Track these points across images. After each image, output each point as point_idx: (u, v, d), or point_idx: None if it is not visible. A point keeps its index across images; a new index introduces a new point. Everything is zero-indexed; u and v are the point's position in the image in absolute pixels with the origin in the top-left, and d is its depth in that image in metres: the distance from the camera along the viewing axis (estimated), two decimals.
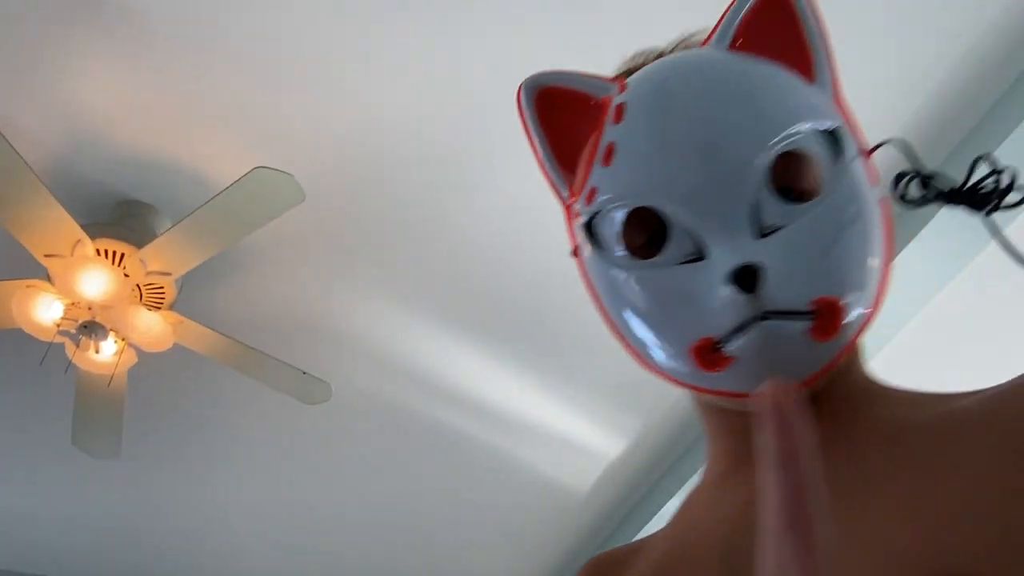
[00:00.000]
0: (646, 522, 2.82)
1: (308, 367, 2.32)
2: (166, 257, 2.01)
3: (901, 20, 1.78)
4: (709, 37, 0.60)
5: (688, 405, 2.67)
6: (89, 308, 2.05)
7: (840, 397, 0.56)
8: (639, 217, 0.55)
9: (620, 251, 0.57)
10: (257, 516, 3.29)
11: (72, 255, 1.99)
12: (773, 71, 0.57)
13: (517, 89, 0.64)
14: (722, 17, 0.59)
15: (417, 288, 2.39)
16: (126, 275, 2.05)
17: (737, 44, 0.58)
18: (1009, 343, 2.37)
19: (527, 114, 0.65)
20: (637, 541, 0.63)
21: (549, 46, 1.85)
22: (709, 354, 0.52)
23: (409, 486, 3.09)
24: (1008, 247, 0.56)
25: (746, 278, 0.50)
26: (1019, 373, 0.49)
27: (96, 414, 2.35)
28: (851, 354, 0.58)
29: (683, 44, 0.64)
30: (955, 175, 0.59)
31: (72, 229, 1.95)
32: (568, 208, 0.62)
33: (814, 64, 0.59)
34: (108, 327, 2.06)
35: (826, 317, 0.50)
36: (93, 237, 2.03)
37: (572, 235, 0.62)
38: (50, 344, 2.13)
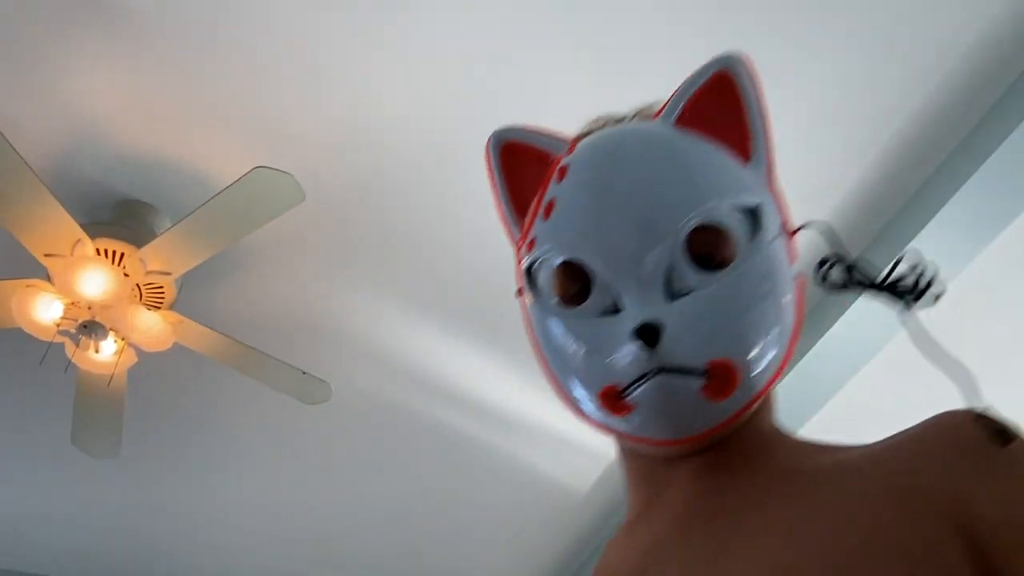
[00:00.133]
0: None
1: (308, 367, 2.32)
2: (166, 257, 2.01)
3: (900, 22, 1.78)
4: (660, 111, 0.65)
5: None
6: (89, 308, 2.05)
7: (748, 444, 0.62)
8: (572, 269, 0.61)
9: (553, 298, 0.63)
10: (257, 516, 3.29)
11: (72, 255, 1.99)
12: (709, 149, 0.62)
13: (487, 140, 0.73)
14: (673, 94, 0.65)
15: (417, 288, 2.39)
16: (126, 275, 2.05)
17: (683, 121, 0.63)
18: (1007, 346, 2.37)
19: (492, 163, 0.72)
20: None
21: (549, 46, 1.85)
22: (614, 400, 0.58)
23: (409, 486, 3.09)
24: (925, 346, 0.61)
25: (648, 334, 0.56)
26: (896, 432, 0.57)
27: (96, 414, 2.35)
28: (760, 407, 0.64)
29: (640, 113, 0.69)
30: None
31: (72, 229, 1.95)
32: (517, 251, 0.68)
33: (751, 144, 0.63)
34: (108, 327, 2.06)
35: (719, 378, 0.56)
36: (93, 237, 2.03)
37: (518, 277, 0.67)
38: (50, 344, 2.13)
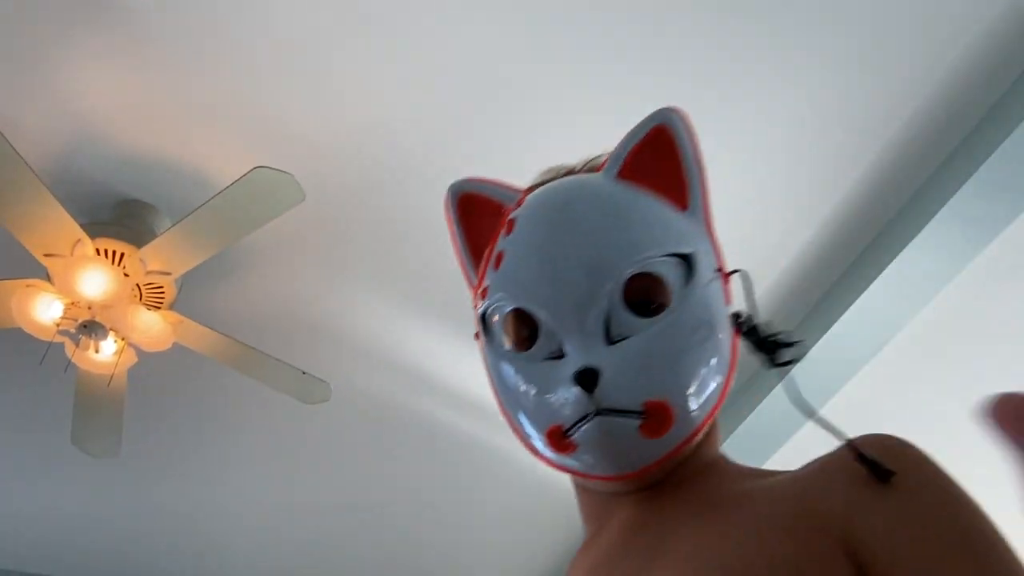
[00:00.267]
0: None
1: (308, 367, 2.32)
2: (166, 257, 2.01)
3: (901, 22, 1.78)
4: (603, 164, 0.70)
5: None
6: (89, 308, 2.05)
7: (687, 475, 0.66)
8: (521, 315, 0.66)
9: (504, 343, 0.68)
10: (256, 515, 3.29)
11: (72, 255, 1.99)
12: (647, 200, 0.66)
13: (446, 192, 0.75)
14: (615, 148, 0.69)
15: (417, 288, 2.39)
16: (126, 275, 2.05)
17: (624, 174, 0.68)
18: (1007, 345, 2.36)
19: (450, 214, 0.74)
20: None
21: (549, 45, 1.85)
22: (559, 439, 0.62)
23: (409, 485, 3.09)
24: (797, 400, 0.68)
25: (586, 379, 0.60)
26: (812, 459, 0.61)
27: (96, 414, 2.35)
28: (703, 440, 0.68)
29: (588, 164, 0.73)
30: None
31: (72, 229, 1.94)
32: (473, 298, 0.73)
33: (688, 194, 0.68)
34: (108, 327, 2.06)
35: (655, 418, 0.60)
36: (93, 237, 2.03)
37: (476, 322, 0.72)
38: (50, 344, 2.13)
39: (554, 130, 1.99)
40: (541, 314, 0.63)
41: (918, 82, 1.88)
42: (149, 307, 2.13)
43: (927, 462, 0.58)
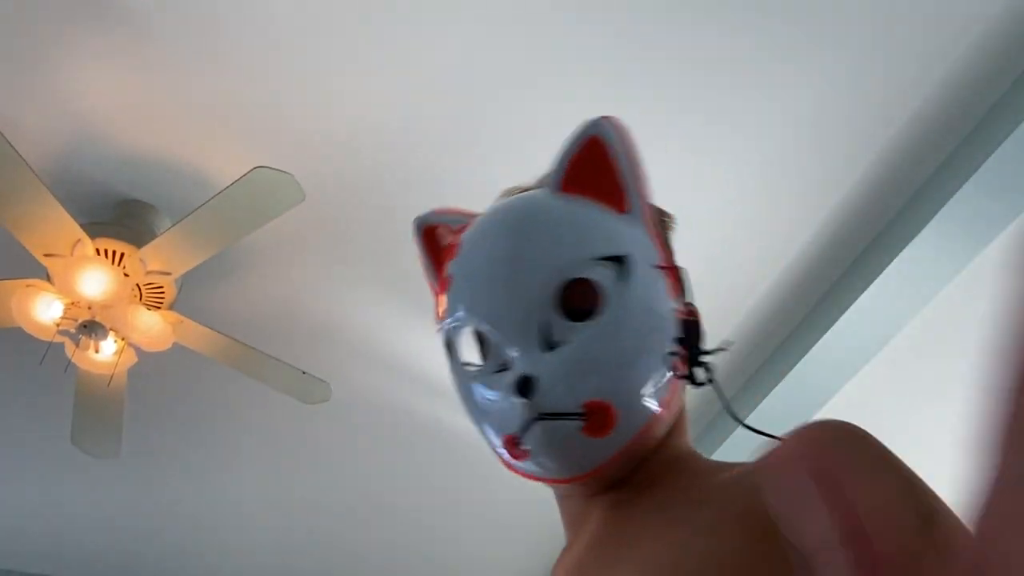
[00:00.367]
0: None
1: (308, 367, 2.32)
2: (166, 257, 2.01)
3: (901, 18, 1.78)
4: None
5: (689, 401, 2.67)
6: (89, 307, 2.05)
7: (654, 474, 0.66)
8: (476, 333, 0.70)
9: (462, 360, 0.71)
10: (257, 515, 3.29)
11: (72, 255, 1.99)
12: (583, 209, 0.68)
13: (412, 226, 0.81)
14: (553, 161, 0.72)
15: (417, 287, 2.38)
16: (126, 275, 2.05)
17: (562, 186, 0.70)
18: None
19: (418, 245, 0.80)
20: None
21: (548, 47, 1.85)
22: (513, 447, 0.64)
23: (409, 485, 3.09)
24: (727, 407, 0.72)
25: (524, 387, 0.62)
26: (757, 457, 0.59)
27: (96, 414, 2.35)
28: (667, 436, 0.69)
29: (541, 181, 0.75)
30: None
31: (72, 229, 1.94)
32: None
33: (626, 197, 0.69)
34: (108, 327, 2.06)
35: (596, 418, 0.62)
36: (93, 237, 2.03)
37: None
38: (50, 344, 2.13)
39: (553, 130, 1.99)
40: (486, 329, 0.67)
41: (918, 82, 1.88)
42: (149, 307, 2.13)
43: (870, 441, 0.56)
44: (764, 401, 2.40)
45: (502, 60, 1.88)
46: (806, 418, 2.43)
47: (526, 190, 0.75)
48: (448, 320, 0.70)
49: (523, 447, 0.64)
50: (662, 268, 0.69)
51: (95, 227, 2.07)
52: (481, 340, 0.72)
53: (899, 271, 2.04)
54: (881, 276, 2.06)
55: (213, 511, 3.27)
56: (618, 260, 0.66)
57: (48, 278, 2.05)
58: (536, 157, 2.28)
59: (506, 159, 2.06)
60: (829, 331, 2.20)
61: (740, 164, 2.05)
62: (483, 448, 0.71)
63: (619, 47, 1.84)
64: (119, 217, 2.18)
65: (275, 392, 2.35)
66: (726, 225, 2.19)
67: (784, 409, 2.41)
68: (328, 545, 3.42)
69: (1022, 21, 1.75)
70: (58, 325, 2.05)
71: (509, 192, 0.76)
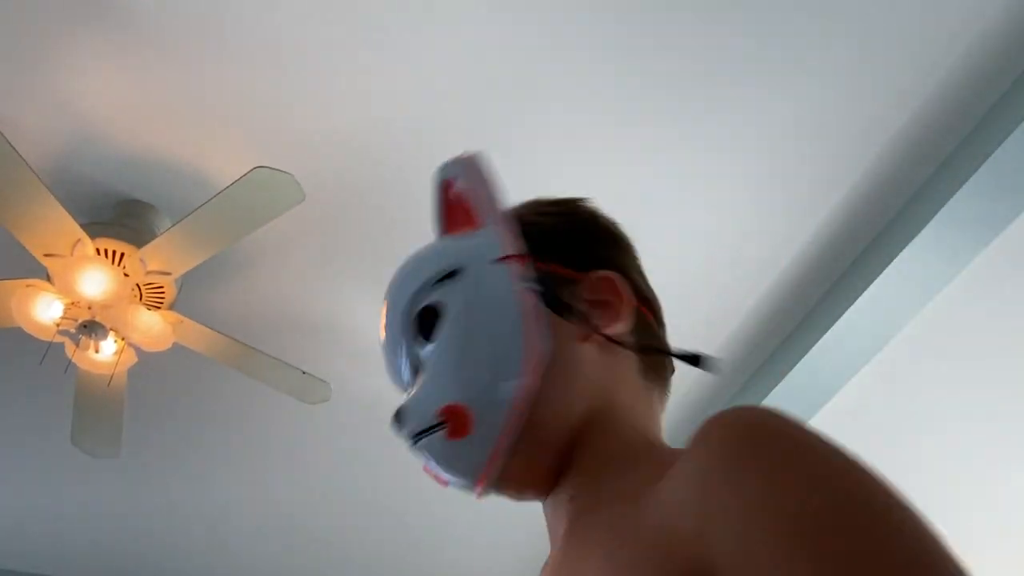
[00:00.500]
0: None
1: (308, 367, 2.32)
2: (166, 257, 2.01)
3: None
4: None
5: (687, 403, 2.67)
6: (89, 307, 2.05)
7: (599, 476, 0.63)
8: None
9: None
10: (257, 515, 3.29)
11: (72, 255, 1.99)
12: (435, 243, 0.73)
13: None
14: None
15: None
16: (126, 275, 2.05)
17: (441, 228, 0.76)
18: (1008, 345, 2.37)
19: (435, 194, 0.80)
20: None
21: (548, 48, 1.85)
22: (429, 473, 0.68)
23: (409, 485, 3.09)
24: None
25: (397, 419, 0.66)
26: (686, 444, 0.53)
27: (96, 414, 2.35)
28: (596, 432, 0.65)
29: None
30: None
31: (72, 229, 1.95)
32: None
33: (477, 215, 0.71)
34: (108, 326, 2.06)
35: (452, 421, 0.63)
36: (93, 236, 2.03)
37: None
38: (50, 344, 2.13)
39: (553, 131, 1.99)
40: (390, 379, 0.72)
41: (918, 82, 1.88)
42: (149, 307, 2.13)
43: (783, 437, 0.47)
44: (764, 401, 2.40)
45: (503, 61, 1.88)
46: (806, 418, 2.44)
47: None
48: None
49: (430, 471, 0.67)
50: (504, 259, 0.67)
51: (95, 227, 2.07)
52: None
53: (899, 271, 2.04)
54: (881, 276, 2.06)
55: (213, 511, 3.27)
56: (452, 274, 0.68)
57: (48, 278, 2.05)
58: (536, 157, 2.28)
59: (507, 159, 2.06)
60: (829, 331, 2.20)
61: (740, 164, 2.05)
62: None
63: (617, 56, 1.84)
64: (119, 217, 2.18)
65: (275, 392, 2.35)
66: (726, 225, 2.19)
67: (784, 410, 2.41)
68: (328, 545, 3.42)
69: (1021, 21, 1.75)
70: (58, 325, 2.05)
71: None
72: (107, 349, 2.14)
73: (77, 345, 2.11)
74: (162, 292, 2.14)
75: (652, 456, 0.61)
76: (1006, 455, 2.67)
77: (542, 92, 1.93)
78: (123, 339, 2.12)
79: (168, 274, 2.06)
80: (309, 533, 3.36)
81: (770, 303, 2.38)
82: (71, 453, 2.54)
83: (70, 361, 2.16)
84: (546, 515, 0.70)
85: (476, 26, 1.82)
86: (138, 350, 2.19)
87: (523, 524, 3.24)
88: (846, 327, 2.18)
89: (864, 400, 2.46)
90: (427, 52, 1.87)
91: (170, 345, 2.15)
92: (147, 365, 2.37)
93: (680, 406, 2.69)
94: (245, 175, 1.83)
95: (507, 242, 0.68)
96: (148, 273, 2.05)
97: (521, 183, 2.17)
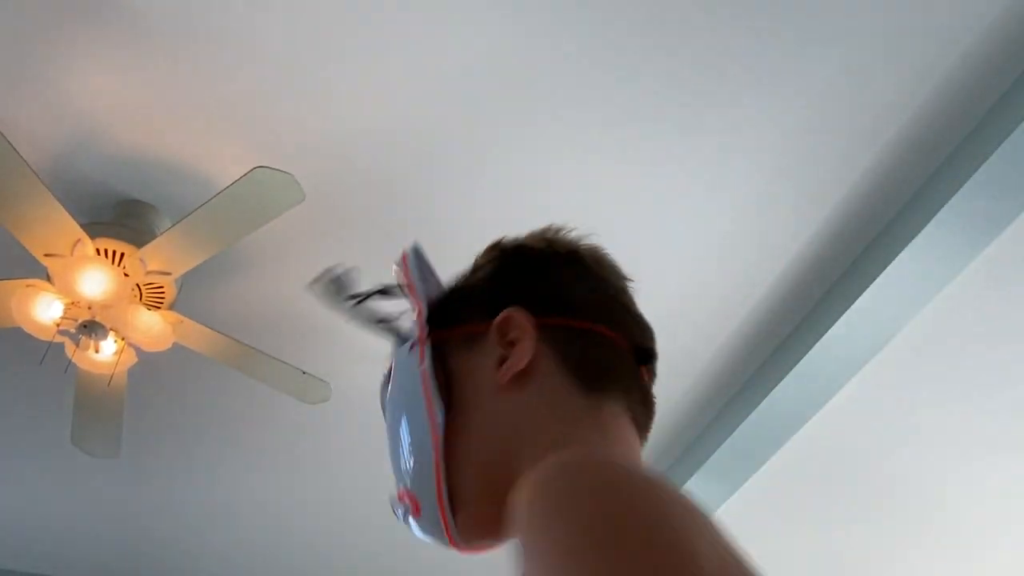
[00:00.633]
0: None
1: (308, 367, 2.32)
2: (166, 257, 2.01)
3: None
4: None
5: (687, 404, 2.67)
6: (89, 307, 2.05)
7: (514, 527, 0.59)
8: None
9: None
10: (256, 515, 3.29)
11: (72, 254, 1.99)
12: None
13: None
14: None
15: None
16: (126, 275, 2.05)
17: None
18: (1008, 345, 2.36)
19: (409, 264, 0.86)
20: None
21: (549, 45, 1.85)
22: None
23: None
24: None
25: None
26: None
27: (96, 414, 2.35)
28: (497, 498, 0.63)
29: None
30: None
31: (72, 229, 1.94)
32: None
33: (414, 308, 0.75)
34: (108, 326, 2.06)
35: (408, 503, 0.68)
36: (93, 236, 2.03)
37: None
38: (50, 344, 2.13)
39: (552, 131, 1.99)
40: None
41: (918, 82, 1.88)
42: (149, 307, 2.13)
43: (551, 499, 0.44)
44: (764, 401, 2.40)
45: (503, 64, 1.88)
46: (806, 418, 2.44)
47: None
48: None
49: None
50: (412, 345, 0.72)
51: (95, 227, 2.07)
52: None
53: (899, 271, 2.04)
54: (881, 276, 2.06)
55: (213, 511, 3.27)
56: (389, 373, 0.75)
57: (48, 278, 2.05)
58: (536, 158, 2.28)
59: (507, 160, 2.06)
60: (829, 331, 2.20)
61: (740, 164, 2.05)
62: None
63: (617, 58, 1.84)
64: (119, 217, 2.18)
65: (275, 392, 2.35)
66: (726, 225, 2.19)
67: (784, 410, 2.41)
68: (328, 545, 3.42)
69: (1021, 21, 1.75)
70: (58, 325, 2.05)
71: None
72: (107, 349, 2.14)
73: (77, 345, 2.11)
74: (162, 292, 2.14)
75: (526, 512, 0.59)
76: (1006, 455, 2.66)
77: (542, 92, 1.93)
78: (123, 339, 2.12)
79: (168, 274, 2.06)
80: (309, 533, 3.36)
81: (770, 303, 2.38)
82: (71, 453, 2.54)
83: (70, 361, 2.16)
84: None
85: (476, 27, 1.82)
86: (138, 350, 2.19)
87: None
88: (846, 327, 2.18)
89: (864, 400, 2.46)
90: (427, 52, 1.87)
91: (170, 345, 2.15)
92: (147, 365, 2.37)
93: (679, 408, 2.69)
94: (245, 175, 1.83)
95: (416, 329, 0.72)
96: (148, 273, 2.05)
97: (521, 183, 2.18)
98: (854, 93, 1.90)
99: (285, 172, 1.84)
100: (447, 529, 0.66)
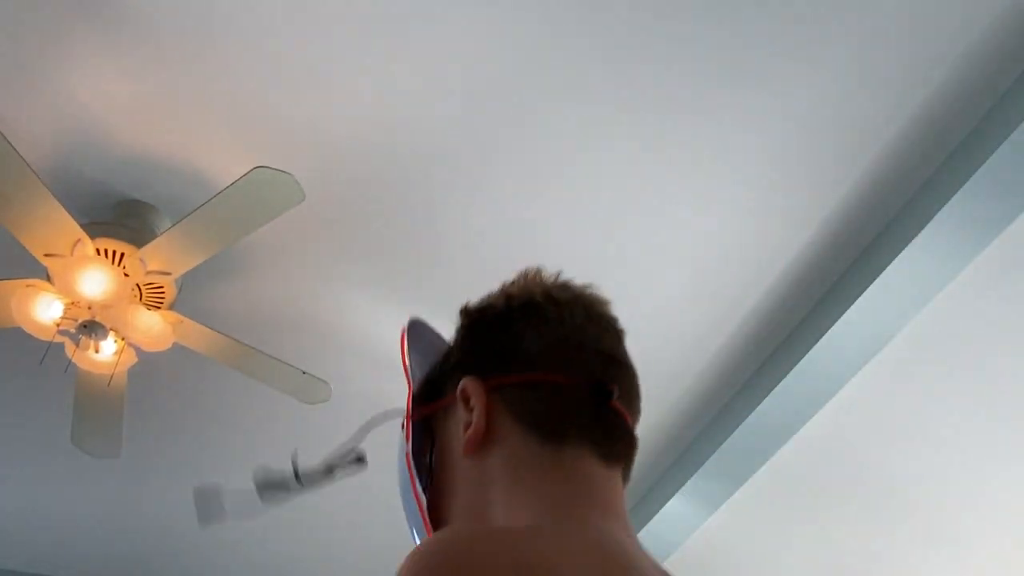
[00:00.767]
0: (644, 523, 2.83)
1: (308, 367, 2.32)
2: (166, 257, 2.01)
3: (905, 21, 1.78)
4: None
5: (686, 404, 2.67)
6: (89, 307, 2.05)
7: None
8: None
9: None
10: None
11: (72, 254, 1.99)
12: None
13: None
14: None
15: (417, 287, 2.39)
16: (126, 274, 2.05)
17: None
18: (1008, 345, 2.36)
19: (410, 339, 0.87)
20: None
21: (549, 47, 1.85)
22: None
23: None
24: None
25: None
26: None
27: (96, 414, 2.35)
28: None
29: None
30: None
31: (72, 229, 1.95)
32: None
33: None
34: (108, 326, 2.06)
35: None
36: (93, 236, 2.03)
37: None
38: (50, 344, 2.13)
39: (554, 131, 1.99)
40: None
41: (918, 82, 1.88)
42: (149, 307, 2.13)
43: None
44: (764, 401, 2.40)
45: (503, 62, 1.88)
46: (807, 418, 2.44)
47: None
48: None
49: None
50: (403, 425, 0.76)
51: (95, 227, 2.07)
52: None
53: (899, 271, 2.04)
54: (881, 276, 2.06)
55: None
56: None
57: (48, 278, 2.05)
58: (536, 157, 2.27)
59: (508, 160, 2.06)
60: (829, 331, 2.20)
61: (740, 165, 2.05)
62: None
63: (619, 56, 1.84)
64: (119, 217, 2.18)
65: (275, 392, 2.35)
66: (727, 225, 2.19)
67: (784, 410, 2.41)
68: (328, 544, 3.42)
69: (1021, 21, 1.75)
70: (58, 325, 2.05)
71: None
72: (107, 349, 2.14)
73: (77, 345, 2.11)
74: (162, 292, 2.14)
75: None
76: (1006, 455, 2.66)
77: (543, 91, 1.93)
78: (123, 339, 2.12)
79: (168, 274, 2.06)
80: (309, 533, 3.35)
81: (770, 303, 2.38)
82: (71, 453, 2.54)
83: (70, 361, 2.16)
84: None
85: (477, 26, 1.82)
86: (138, 350, 2.19)
87: None
88: (846, 327, 2.18)
89: (864, 400, 2.46)
90: (428, 52, 1.87)
91: (170, 345, 2.15)
92: (147, 365, 2.37)
93: (679, 408, 2.68)
94: (245, 175, 1.83)
95: (407, 408, 0.76)
96: (148, 273, 2.05)
97: (521, 183, 2.18)
98: (854, 93, 1.90)
99: (285, 172, 1.84)
100: None
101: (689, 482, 2.67)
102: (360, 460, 0.80)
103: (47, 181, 2.01)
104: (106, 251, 2.05)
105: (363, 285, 2.40)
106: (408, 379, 0.78)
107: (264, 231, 2.05)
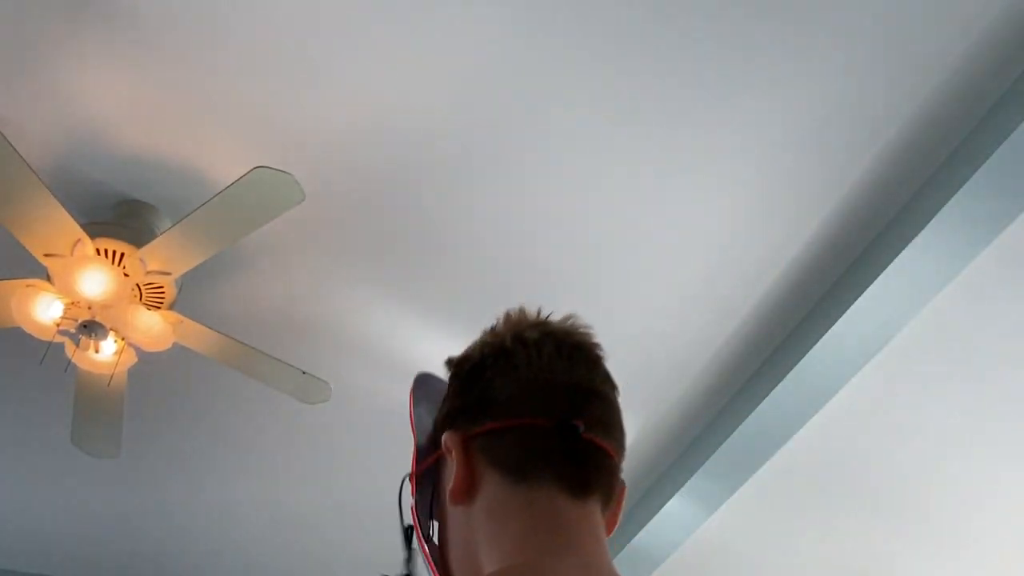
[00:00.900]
0: (644, 523, 2.82)
1: (308, 367, 2.32)
2: (166, 257, 2.01)
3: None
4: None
5: (686, 404, 2.67)
6: (89, 307, 2.05)
7: None
8: None
9: None
10: (256, 515, 3.29)
11: (72, 255, 1.99)
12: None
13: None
14: None
15: (417, 287, 2.39)
16: (126, 274, 2.05)
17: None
18: (1008, 345, 2.36)
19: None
20: None
21: (550, 47, 1.85)
22: None
23: None
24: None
25: None
26: None
27: (96, 414, 2.35)
28: None
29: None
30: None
31: (72, 229, 1.95)
32: None
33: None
34: (108, 326, 2.06)
35: None
36: (93, 236, 2.03)
37: None
38: (50, 343, 2.13)
39: (553, 132, 1.99)
40: None
41: (918, 82, 1.88)
42: (149, 307, 2.13)
43: None
44: (764, 401, 2.40)
45: (504, 64, 1.88)
46: (806, 418, 2.44)
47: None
48: None
49: None
50: (408, 478, 0.79)
51: (95, 227, 2.07)
52: None
53: (899, 271, 2.04)
54: (881, 276, 2.06)
55: (213, 511, 3.27)
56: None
57: (48, 278, 2.05)
58: (536, 157, 2.27)
59: (508, 160, 2.06)
60: (829, 331, 2.20)
61: (740, 165, 2.05)
62: None
63: (618, 60, 1.84)
64: (119, 217, 2.18)
65: (275, 392, 2.35)
66: (726, 226, 2.19)
67: (784, 410, 2.41)
68: (327, 544, 3.42)
69: (1021, 21, 1.75)
70: (58, 325, 2.05)
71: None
72: (107, 349, 2.14)
73: (77, 345, 2.11)
74: (162, 292, 2.14)
75: None
76: (1006, 454, 2.66)
77: (544, 94, 1.93)
78: (123, 339, 2.12)
79: (168, 274, 2.06)
80: (309, 533, 3.36)
81: (770, 303, 2.38)
82: (71, 453, 2.54)
83: (70, 361, 2.16)
84: None
85: (477, 27, 1.82)
86: (138, 350, 2.19)
87: None
88: (846, 327, 2.18)
89: (864, 400, 2.46)
90: (428, 53, 1.87)
91: (170, 345, 2.15)
92: (147, 365, 2.37)
93: (679, 408, 2.69)
94: (245, 175, 1.83)
95: (412, 462, 0.79)
96: (148, 273, 2.05)
97: (521, 183, 2.18)
98: (854, 93, 1.90)
99: (285, 172, 1.84)
100: None
101: (689, 482, 2.67)
102: None
103: (47, 181, 2.01)
104: (106, 251, 2.05)
105: (363, 285, 2.40)
106: (414, 434, 0.81)
107: (264, 231, 2.05)
